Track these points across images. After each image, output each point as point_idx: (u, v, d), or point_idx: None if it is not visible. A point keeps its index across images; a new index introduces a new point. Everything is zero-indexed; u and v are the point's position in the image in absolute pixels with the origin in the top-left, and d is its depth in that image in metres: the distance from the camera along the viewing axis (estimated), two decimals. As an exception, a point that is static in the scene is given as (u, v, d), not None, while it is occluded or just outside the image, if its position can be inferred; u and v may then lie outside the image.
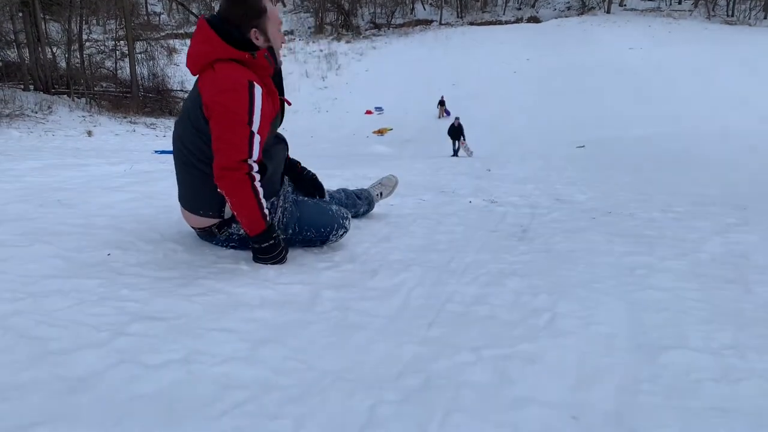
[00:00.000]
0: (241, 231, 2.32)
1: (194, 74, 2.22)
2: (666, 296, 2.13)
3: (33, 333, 1.54)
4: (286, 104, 2.45)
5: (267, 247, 2.25)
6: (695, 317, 1.93)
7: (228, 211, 2.32)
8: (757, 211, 4.40)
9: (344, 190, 3.13)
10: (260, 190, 2.15)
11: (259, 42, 2.21)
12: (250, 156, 2.10)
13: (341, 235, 2.60)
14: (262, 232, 2.21)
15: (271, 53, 2.24)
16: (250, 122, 2.08)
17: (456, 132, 18.70)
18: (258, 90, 2.11)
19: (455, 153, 18.21)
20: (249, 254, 2.34)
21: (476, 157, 14.93)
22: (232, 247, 2.44)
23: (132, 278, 2.02)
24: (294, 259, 2.39)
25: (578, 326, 1.83)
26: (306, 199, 2.66)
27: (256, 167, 2.14)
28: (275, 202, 2.44)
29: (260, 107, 2.10)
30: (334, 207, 2.62)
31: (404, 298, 2.04)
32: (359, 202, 3.16)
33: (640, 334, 1.78)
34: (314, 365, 1.50)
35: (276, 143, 2.45)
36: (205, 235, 2.43)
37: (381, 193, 3.35)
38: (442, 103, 28.29)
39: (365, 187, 3.37)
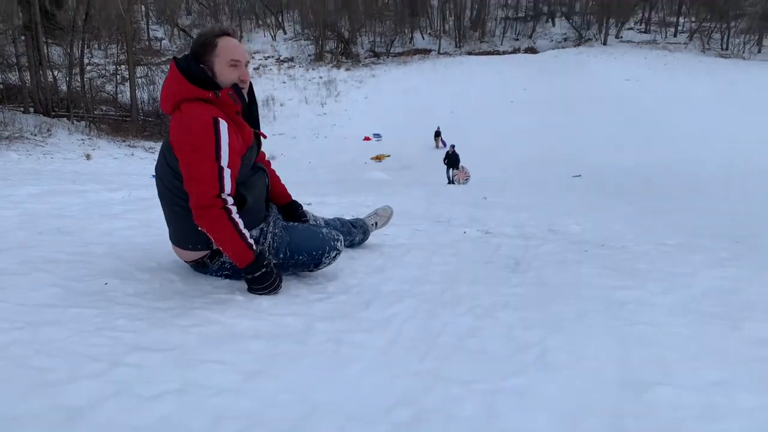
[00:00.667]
0: None
1: (168, 114, 2.26)
2: (654, 331, 2.16)
3: (31, 363, 1.57)
4: (261, 136, 2.51)
5: (260, 276, 2.27)
6: (682, 353, 1.96)
7: None
8: (749, 245, 4.46)
9: (340, 219, 3.17)
10: (239, 221, 2.17)
11: (216, 78, 2.22)
12: (223, 191, 2.11)
13: (334, 257, 2.62)
14: (252, 263, 2.23)
15: (237, 90, 2.25)
16: (218, 158, 2.09)
17: (452, 160, 18.79)
18: (223, 125, 2.12)
19: (451, 181, 18.30)
20: (244, 284, 2.37)
21: (472, 184, 15.01)
22: (226, 276, 2.47)
23: (129, 308, 2.05)
24: (288, 290, 2.42)
25: (567, 361, 1.86)
26: (296, 224, 2.68)
27: (230, 200, 2.15)
28: (264, 228, 2.47)
29: (227, 142, 2.11)
30: (325, 230, 2.64)
31: (397, 331, 2.07)
32: (354, 231, 3.18)
33: (628, 370, 1.81)
34: (306, 397, 1.53)
35: (254, 174, 2.46)
36: (198, 266, 2.47)
37: (376, 223, 3.37)
38: (438, 134, 28.37)
39: (361, 217, 3.41)
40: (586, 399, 1.61)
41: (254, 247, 2.23)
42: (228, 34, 2.24)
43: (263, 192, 2.53)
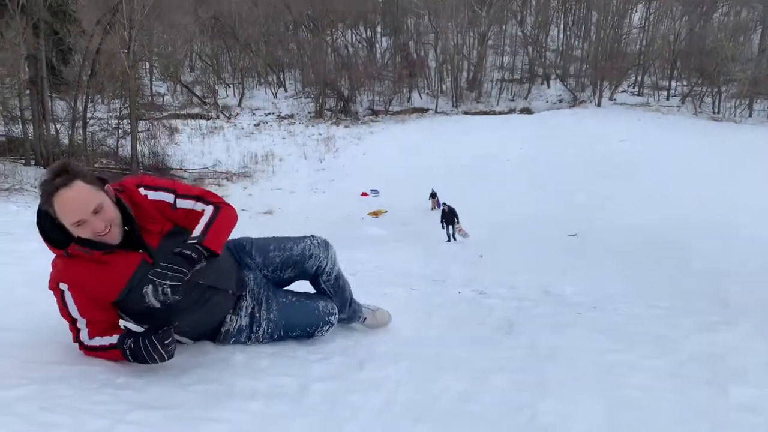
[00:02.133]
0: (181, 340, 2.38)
1: None
2: (643, 395, 2.21)
3: (37, 419, 1.62)
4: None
5: (139, 356, 2.07)
6: (670, 417, 2.02)
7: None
8: (740, 309, 4.53)
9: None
10: (99, 345, 2.13)
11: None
12: (78, 339, 2.15)
13: (327, 330, 2.65)
14: (125, 355, 2.09)
15: (89, 243, 2.06)
16: (70, 315, 2.14)
17: (449, 217, 18.89)
18: (63, 287, 2.12)
19: (450, 238, 18.36)
20: (243, 345, 2.44)
21: (469, 242, 15.12)
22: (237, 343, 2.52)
23: (130, 366, 2.10)
24: (284, 351, 2.47)
25: (557, 423, 1.91)
26: (293, 299, 2.64)
27: (86, 338, 2.14)
28: (257, 315, 2.50)
29: (72, 303, 2.12)
30: (321, 303, 2.66)
31: (391, 393, 2.12)
32: (354, 316, 2.95)
33: (616, 434, 1.86)
34: (303, 458, 1.58)
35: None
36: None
37: (366, 319, 3.01)
38: (433, 195, 27.65)
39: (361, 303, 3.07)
40: (574, 463, 1.66)
41: (124, 348, 2.08)
42: (60, 189, 1.96)
43: (198, 299, 2.30)
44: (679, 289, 5.56)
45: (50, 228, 2.06)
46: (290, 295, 2.66)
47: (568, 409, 2.04)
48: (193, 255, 2.06)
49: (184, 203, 2.26)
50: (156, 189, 2.23)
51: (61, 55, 29.39)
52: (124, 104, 32.31)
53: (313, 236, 2.70)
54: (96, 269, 2.09)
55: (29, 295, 2.92)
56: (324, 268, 2.67)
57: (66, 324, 2.18)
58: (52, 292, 2.15)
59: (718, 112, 43.85)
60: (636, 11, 52.65)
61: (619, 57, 47.74)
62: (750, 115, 42.50)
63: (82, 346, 2.17)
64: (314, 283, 2.75)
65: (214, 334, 2.47)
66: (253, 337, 2.50)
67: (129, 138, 29.87)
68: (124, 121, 31.46)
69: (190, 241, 2.11)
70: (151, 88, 44.42)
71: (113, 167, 29.16)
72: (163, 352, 2.00)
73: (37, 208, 2.11)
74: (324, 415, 1.88)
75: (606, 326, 3.43)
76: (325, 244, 2.69)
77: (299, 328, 2.59)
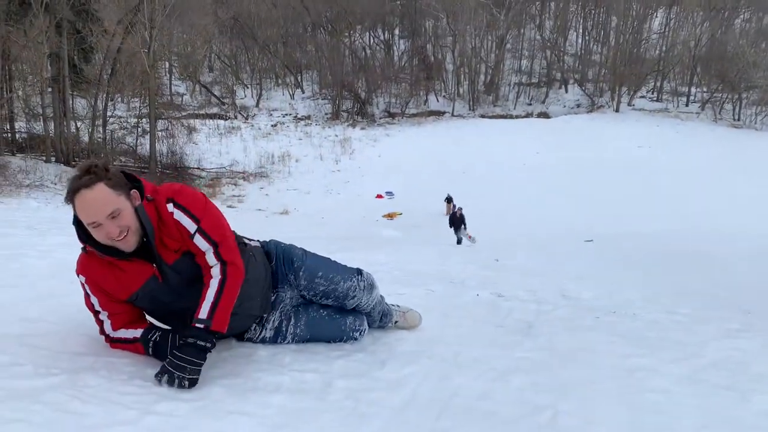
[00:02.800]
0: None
1: None
2: (663, 399, 2.21)
3: (68, 408, 1.66)
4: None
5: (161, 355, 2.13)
6: (690, 423, 2.01)
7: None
8: (761, 315, 4.48)
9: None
10: (121, 336, 2.20)
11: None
12: (102, 332, 2.22)
13: (349, 343, 2.63)
14: (148, 353, 2.17)
15: (99, 246, 2.07)
16: (93, 307, 2.21)
17: (458, 222, 18.91)
18: (82, 280, 2.20)
19: (459, 242, 18.37)
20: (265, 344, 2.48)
21: (484, 246, 15.08)
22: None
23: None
24: (307, 348, 2.50)
25: (578, 425, 1.92)
26: (323, 313, 2.62)
27: (110, 333, 2.21)
28: (284, 329, 2.51)
29: (93, 296, 2.19)
30: (350, 319, 2.64)
31: (412, 391, 2.14)
32: (385, 319, 2.95)
33: (638, 437, 1.87)
34: (327, 452, 1.60)
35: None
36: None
37: (397, 322, 3.04)
38: (449, 200, 26.84)
39: (391, 305, 3.07)
40: (596, 463, 1.66)
41: (142, 340, 2.18)
42: (81, 189, 1.96)
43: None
44: (698, 296, 5.51)
45: (75, 222, 2.09)
46: (320, 308, 2.63)
47: (590, 411, 2.05)
48: (207, 345, 2.04)
49: (200, 242, 2.17)
50: (183, 210, 2.15)
51: (83, 54, 29.81)
52: (143, 103, 32.71)
53: (360, 275, 2.63)
54: (109, 270, 2.13)
55: (54, 288, 2.99)
56: (362, 306, 2.67)
57: (91, 315, 2.24)
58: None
59: (739, 119, 43.36)
60: (656, 16, 52.29)
61: (639, 62, 47.41)
62: (771, 122, 41.97)
63: (108, 339, 2.22)
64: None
65: (235, 336, 2.51)
66: (277, 344, 2.52)
67: (148, 137, 30.21)
68: (144, 119, 31.85)
69: (197, 325, 2.06)
70: (170, 88, 44.87)
71: (132, 165, 29.48)
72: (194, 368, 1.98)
73: None
74: (347, 411, 1.90)
75: (625, 331, 3.42)
76: (370, 288, 2.64)
77: (323, 340, 2.59)
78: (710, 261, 10.83)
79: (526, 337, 3.13)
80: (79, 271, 2.18)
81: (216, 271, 2.16)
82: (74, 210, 1.99)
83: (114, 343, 2.21)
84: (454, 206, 24.26)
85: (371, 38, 53.11)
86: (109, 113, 30.29)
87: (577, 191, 28.04)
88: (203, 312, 2.09)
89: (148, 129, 30.18)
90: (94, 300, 2.19)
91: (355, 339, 2.65)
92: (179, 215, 2.13)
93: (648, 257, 11.50)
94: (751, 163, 30.49)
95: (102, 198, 1.96)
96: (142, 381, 1.92)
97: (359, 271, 2.65)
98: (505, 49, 49.86)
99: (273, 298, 2.52)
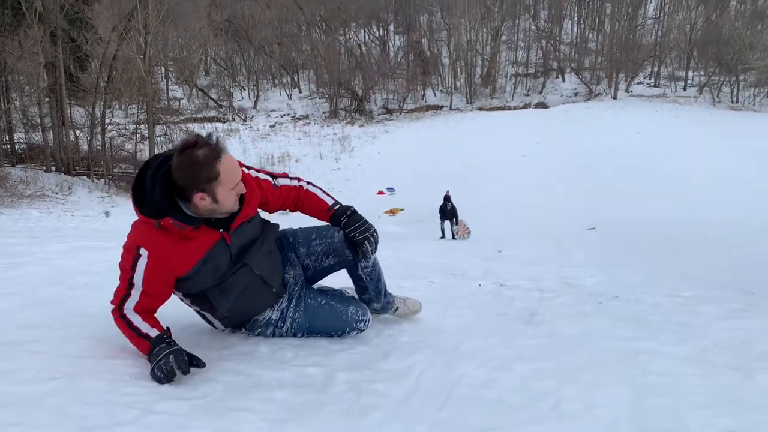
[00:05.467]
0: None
1: None
2: (667, 381, 2.20)
3: (70, 411, 1.66)
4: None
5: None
6: (695, 403, 2.00)
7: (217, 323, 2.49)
8: (764, 295, 4.47)
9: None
10: (133, 320, 2.16)
11: (205, 203, 2.12)
12: (122, 305, 2.17)
13: (353, 335, 2.61)
14: (149, 354, 2.11)
15: (184, 218, 2.14)
16: (131, 279, 2.16)
17: (449, 213, 18.17)
18: (143, 253, 2.15)
19: (444, 234, 17.70)
20: (267, 339, 2.47)
21: (486, 238, 15.05)
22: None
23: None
24: (309, 342, 2.50)
25: (582, 410, 1.91)
26: (323, 301, 2.60)
27: (129, 311, 2.17)
28: (285, 311, 2.52)
29: (142, 269, 2.15)
30: (352, 309, 2.60)
31: (415, 381, 2.13)
32: (381, 299, 2.90)
33: (642, 419, 1.86)
34: (330, 445, 1.60)
35: (233, 272, 2.31)
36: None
37: (398, 309, 3.03)
38: (447, 198, 26.72)
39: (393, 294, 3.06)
40: (601, 446, 1.66)
41: (150, 336, 2.14)
42: (222, 153, 2.09)
43: (248, 287, 2.37)
44: (700, 279, 5.50)
45: (158, 195, 2.11)
46: (321, 296, 2.62)
47: (593, 395, 2.04)
48: (354, 209, 2.63)
49: (282, 181, 2.57)
50: (257, 171, 2.53)
51: (79, 62, 29.76)
52: (141, 109, 32.64)
53: (360, 332, 2.64)
54: (179, 243, 2.17)
55: (56, 294, 2.99)
56: (367, 259, 2.67)
57: (103, 306, 2.25)
58: (124, 250, 2.19)
59: (737, 101, 43.25)
60: (651, 1, 52.12)
61: (635, 48, 47.29)
62: (770, 104, 41.84)
63: (118, 312, 2.18)
64: (353, 270, 2.70)
65: (244, 322, 2.52)
66: (277, 332, 2.52)
67: (147, 143, 30.15)
68: (142, 125, 31.78)
69: (343, 208, 2.62)
70: (167, 93, 44.86)
71: (132, 172, 29.47)
72: (172, 368, 1.97)
73: (137, 174, 2.17)
74: (350, 404, 1.90)
75: (628, 315, 3.41)
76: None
77: (324, 332, 2.57)
78: (711, 244, 10.83)
79: (529, 324, 3.13)
80: (143, 243, 2.14)
81: (303, 183, 2.64)
82: (216, 172, 2.06)
83: (121, 320, 2.17)
84: (447, 194, 22.80)
85: (366, 35, 53.04)
86: (107, 120, 30.21)
87: (577, 179, 27.99)
88: (328, 201, 2.65)
89: (147, 135, 30.15)
90: (139, 273, 2.15)
91: (360, 330, 2.61)
92: (257, 173, 2.51)
93: (650, 242, 11.50)
94: (751, 145, 30.38)
95: (236, 161, 2.20)
96: (144, 382, 1.92)
97: None
98: (500, 41, 49.75)
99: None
